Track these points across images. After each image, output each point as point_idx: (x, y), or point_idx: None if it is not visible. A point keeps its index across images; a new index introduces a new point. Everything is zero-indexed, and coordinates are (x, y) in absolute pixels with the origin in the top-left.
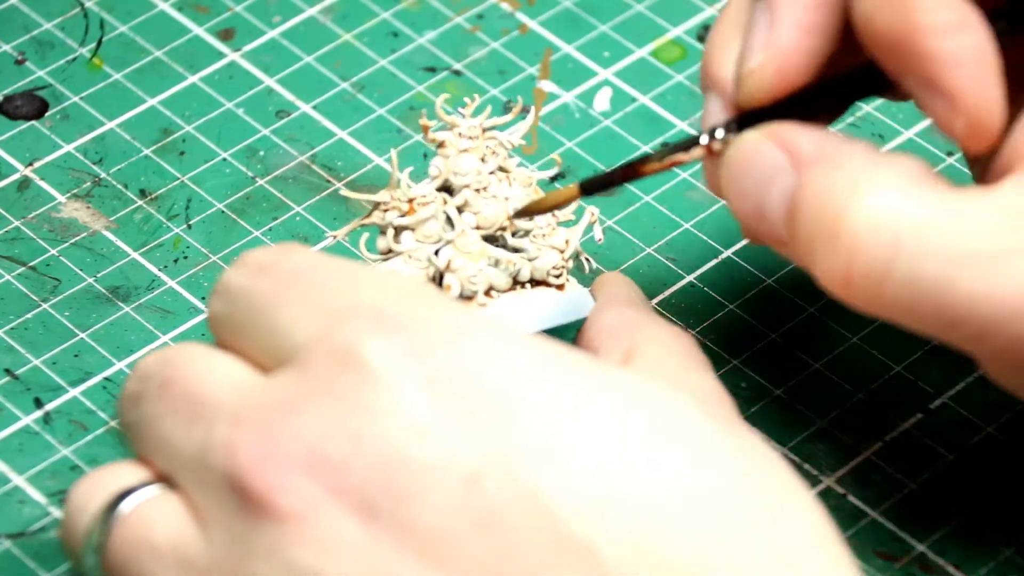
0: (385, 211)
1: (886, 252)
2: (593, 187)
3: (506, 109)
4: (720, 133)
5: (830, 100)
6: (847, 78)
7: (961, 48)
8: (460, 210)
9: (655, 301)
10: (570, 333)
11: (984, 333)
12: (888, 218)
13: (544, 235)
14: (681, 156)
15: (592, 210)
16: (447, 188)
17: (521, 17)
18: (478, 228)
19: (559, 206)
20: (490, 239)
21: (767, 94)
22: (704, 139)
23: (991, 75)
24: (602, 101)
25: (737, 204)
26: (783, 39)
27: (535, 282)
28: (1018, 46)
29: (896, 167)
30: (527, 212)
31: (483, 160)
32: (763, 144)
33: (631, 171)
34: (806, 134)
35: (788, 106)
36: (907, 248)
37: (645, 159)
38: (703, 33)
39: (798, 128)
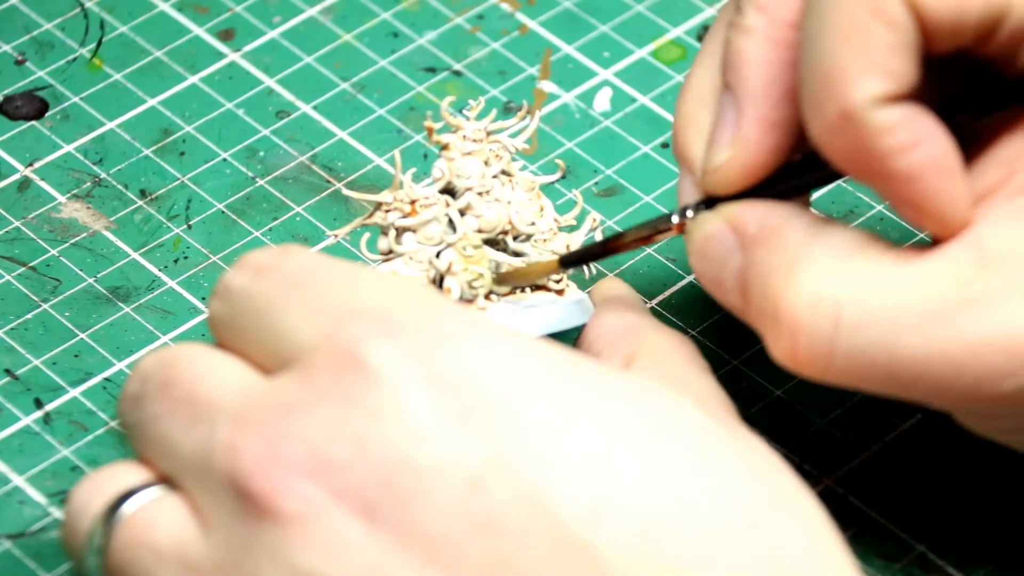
0: (387, 212)
1: (827, 329)
2: (571, 261)
3: (506, 109)
4: (690, 213)
5: (795, 183)
6: (811, 164)
7: (919, 163)
8: (462, 213)
9: (655, 301)
10: (570, 339)
11: (937, 389)
12: (825, 296)
13: (545, 240)
14: (654, 233)
15: (594, 216)
16: (449, 190)
17: (521, 17)
18: (480, 232)
19: (538, 277)
20: (491, 243)
21: (731, 188)
22: (675, 219)
23: (954, 179)
24: (602, 101)
25: (702, 281)
26: (749, 136)
27: (535, 287)
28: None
29: (832, 241)
30: (508, 280)
31: (487, 164)
32: (717, 226)
33: (608, 248)
34: (753, 214)
35: (753, 192)
36: (847, 322)
37: (620, 236)
38: (703, 33)
39: (748, 207)
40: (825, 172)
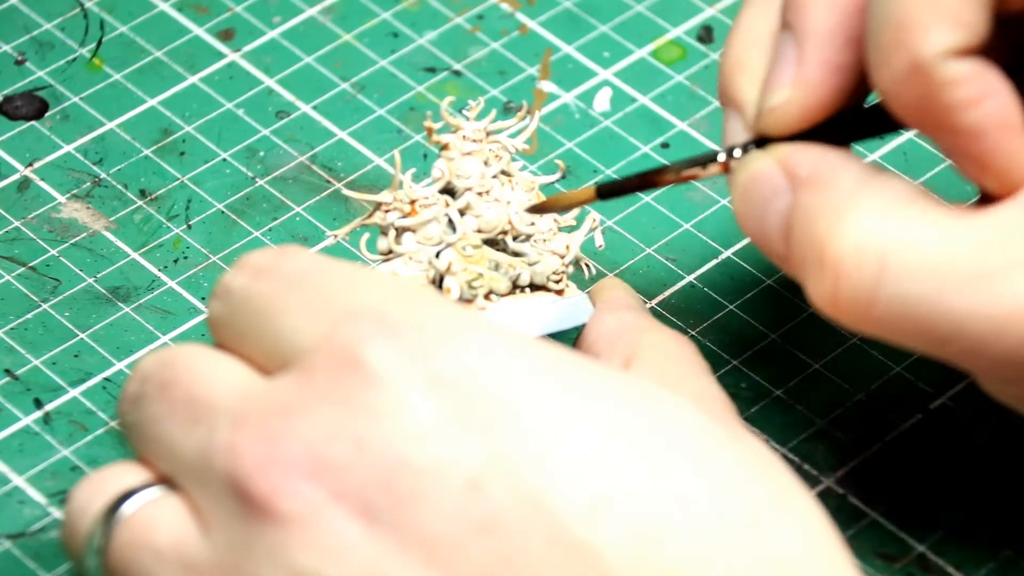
0: (387, 212)
1: (871, 275)
2: (610, 192)
3: (506, 109)
4: (738, 152)
5: (850, 131)
6: (867, 113)
7: (986, 118)
8: (462, 213)
9: (655, 302)
10: (570, 339)
11: (974, 349)
12: (872, 242)
13: (545, 240)
14: (698, 171)
15: (594, 216)
16: (449, 190)
17: (521, 17)
18: (480, 232)
19: (574, 206)
20: (491, 243)
21: (788, 129)
22: (721, 157)
23: (1018, 135)
24: (602, 101)
25: (742, 222)
26: (810, 77)
27: (535, 287)
28: None
29: (884, 189)
30: (542, 209)
31: (486, 164)
32: (767, 165)
33: (648, 180)
34: (806, 155)
35: (807, 136)
36: (892, 270)
37: (662, 169)
38: (703, 33)
39: (801, 149)
40: (882, 122)
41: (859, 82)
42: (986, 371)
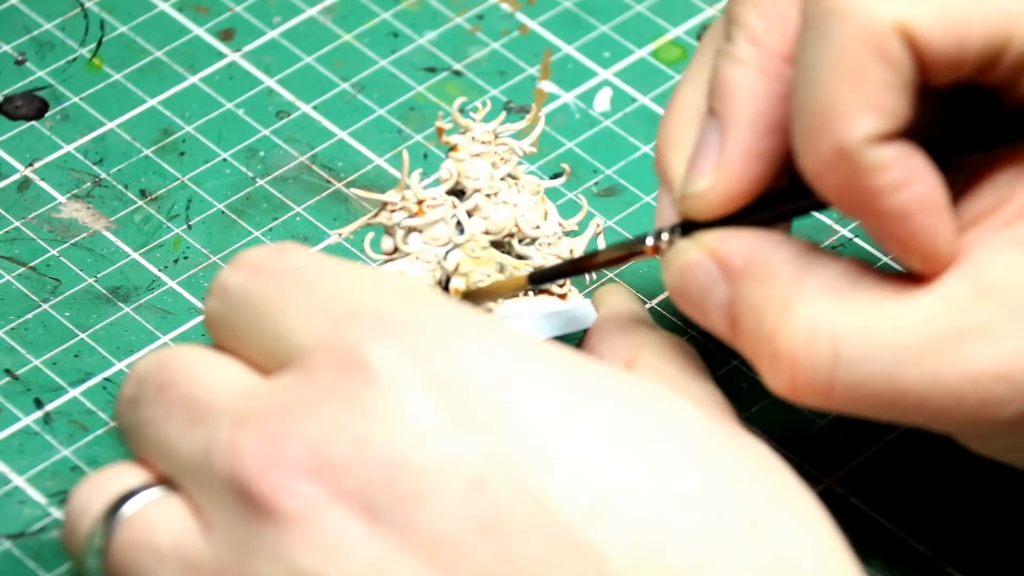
0: (392, 212)
1: (827, 363)
2: (541, 278)
3: (507, 109)
4: (665, 236)
5: (776, 212)
6: (793, 193)
7: (910, 201)
8: (470, 214)
9: (655, 302)
10: (572, 342)
11: (938, 417)
12: (823, 330)
13: (550, 244)
14: (627, 255)
15: (597, 221)
16: (456, 192)
17: (521, 17)
18: (487, 233)
19: (507, 293)
20: (497, 245)
21: (710, 215)
22: (650, 241)
23: (941, 217)
24: (602, 101)
25: (682, 308)
26: (732, 164)
27: (538, 290)
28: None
29: (824, 273)
30: (475, 297)
31: (494, 166)
32: (698, 256)
33: (578, 266)
34: (737, 244)
35: (732, 219)
36: (846, 355)
37: (593, 255)
38: (703, 33)
39: (730, 237)
40: (807, 202)
41: (781, 168)
42: (955, 432)
